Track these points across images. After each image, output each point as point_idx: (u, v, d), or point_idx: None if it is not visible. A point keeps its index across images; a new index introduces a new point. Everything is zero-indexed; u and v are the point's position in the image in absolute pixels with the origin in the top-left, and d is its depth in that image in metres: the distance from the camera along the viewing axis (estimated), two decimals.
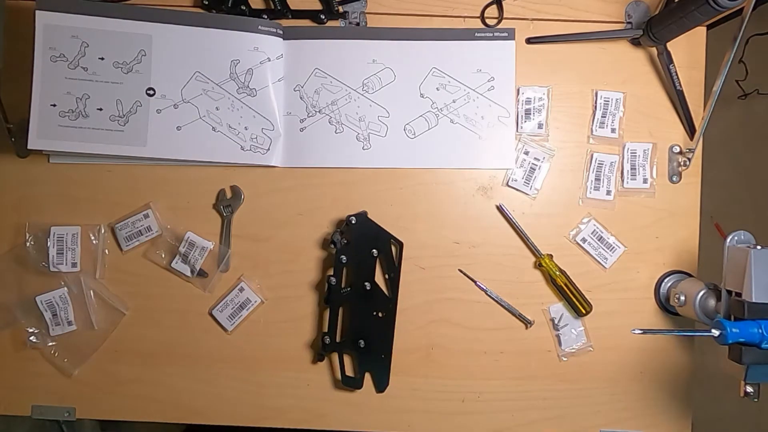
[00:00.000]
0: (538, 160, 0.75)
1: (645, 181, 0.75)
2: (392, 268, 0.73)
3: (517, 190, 0.75)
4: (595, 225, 0.75)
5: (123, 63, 0.71)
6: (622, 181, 0.75)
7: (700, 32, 0.76)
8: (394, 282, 0.72)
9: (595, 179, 0.75)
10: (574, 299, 0.73)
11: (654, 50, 0.75)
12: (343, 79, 0.74)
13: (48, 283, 0.74)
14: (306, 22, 0.75)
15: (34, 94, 0.69)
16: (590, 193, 0.75)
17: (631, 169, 0.75)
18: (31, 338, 0.73)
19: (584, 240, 0.75)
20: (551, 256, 0.74)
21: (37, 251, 0.73)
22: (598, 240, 0.75)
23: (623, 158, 0.75)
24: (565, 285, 0.73)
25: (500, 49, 0.75)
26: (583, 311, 0.73)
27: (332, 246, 0.70)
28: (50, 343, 0.74)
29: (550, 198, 0.75)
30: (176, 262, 0.73)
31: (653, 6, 0.74)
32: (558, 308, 0.74)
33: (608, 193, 0.75)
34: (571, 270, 0.74)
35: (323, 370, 0.75)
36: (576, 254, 0.75)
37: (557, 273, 0.72)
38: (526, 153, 0.75)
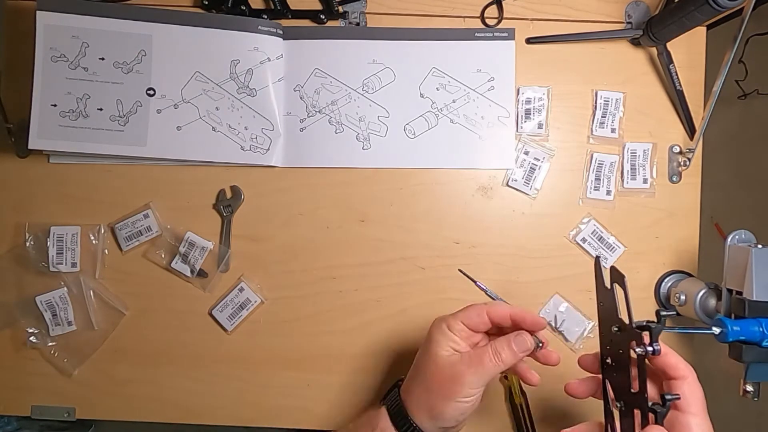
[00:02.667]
0: (538, 160, 0.75)
1: (645, 181, 0.75)
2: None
3: (517, 190, 0.75)
4: (595, 225, 0.75)
5: (123, 63, 0.71)
6: (622, 181, 0.75)
7: (700, 32, 0.76)
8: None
9: (595, 179, 0.75)
10: (520, 426, 0.71)
11: (654, 50, 0.75)
12: (343, 79, 0.74)
13: (48, 283, 0.73)
14: (306, 22, 0.75)
15: (35, 94, 0.69)
16: (590, 193, 0.75)
17: (631, 169, 0.75)
18: (31, 338, 0.73)
19: (584, 240, 0.75)
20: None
21: (37, 251, 0.73)
22: (598, 240, 0.75)
23: (623, 158, 0.75)
24: (520, 408, 0.71)
25: (500, 49, 0.75)
26: None
27: None
28: (50, 343, 0.74)
29: (550, 198, 0.75)
30: (176, 262, 0.73)
31: (653, 6, 0.74)
32: (563, 310, 0.74)
33: (608, 193, 0.75)
34: (571, 270, 0.74)
35: (323, 371, 0.75)
36: (576, 254, 0.75)
37: (519, 396, 0.71)
38: (526, 153, 0.75)
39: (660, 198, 0.75)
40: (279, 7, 0.74)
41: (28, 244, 0.73)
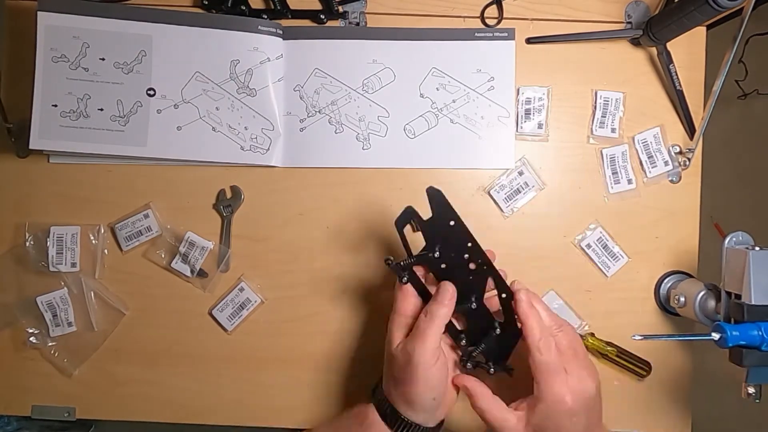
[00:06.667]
0: (527, 185, 0.74)
1: (667, 163, 0.75)
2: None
3: (496, 204, 0.75)
4: (601, 232, 0.74)
5: (123, 63, 0.71)
6: (644, 172, 0.75)
7: (700, 32, 0.76)
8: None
9: (612, 174, 0.75)
10: (631, 365, 0.72)
11: (654, 50, 0.75)
12: (343, 79, 0.74)
13: (48, 283, 0.74)
14: (306, 22, 0.75)
15: (36, 94, 0.69)
16: (590, 193, 0.75)
17: (649, 158, 0.75)
18: (31, 338, 0.74)
19: (588, 246, 0.74)
20: (593, 334, 0.73)
21: (37, 251, 0.73)
22: (603, 248, 0.74)
23: (637, 151, 0.75)
24: (618, 356, 0.72)
25: (500, 49, 0.75)
26: (643, 373, 0.73)
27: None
28: (50, 344, 0.74)
29: (550, 198, 0.75)
30: (176, 262, 0.74)
31: (653, 6, 0.74)
32: (556, 307, 0.74)
33: (607, 193, 0.75)
34: (572, 270, 0.74)
35: (323, 371, 0.75)
36: (576, 254, 0.75)
37: (607, 348, 0.72)
38: (520, 173, 0.75)
39: (660, 198, 0.75)
40: (279, 7, 0.74)
41: (27, 244, 0.73)
